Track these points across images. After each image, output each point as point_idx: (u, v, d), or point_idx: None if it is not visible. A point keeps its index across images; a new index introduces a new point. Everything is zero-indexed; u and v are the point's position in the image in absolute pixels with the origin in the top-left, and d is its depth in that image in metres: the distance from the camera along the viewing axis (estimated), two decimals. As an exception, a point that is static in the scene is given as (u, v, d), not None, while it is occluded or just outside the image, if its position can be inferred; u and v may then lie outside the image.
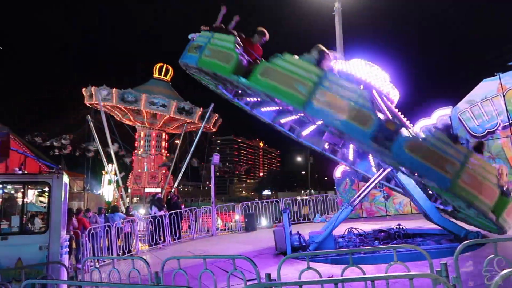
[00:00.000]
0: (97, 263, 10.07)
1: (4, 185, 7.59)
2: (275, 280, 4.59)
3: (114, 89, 31.13)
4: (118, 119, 34.86)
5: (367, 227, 11.75)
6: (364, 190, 9.59)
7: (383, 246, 8.04)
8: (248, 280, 4.89)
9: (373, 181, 9.47)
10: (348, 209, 9.36)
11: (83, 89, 32.82)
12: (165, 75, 36.16)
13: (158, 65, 35.75)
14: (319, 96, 6.53)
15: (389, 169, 8.90)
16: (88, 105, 32.84)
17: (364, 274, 4.41)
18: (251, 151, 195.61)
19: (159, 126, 34.65)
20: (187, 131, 35.87)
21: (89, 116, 32.07)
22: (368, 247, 8.25)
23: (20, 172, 7.84)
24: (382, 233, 10.15)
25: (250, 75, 6.96)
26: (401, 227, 10.18)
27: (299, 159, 78.48)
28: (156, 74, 36.15)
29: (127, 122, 35.28)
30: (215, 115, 35.90)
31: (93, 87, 31.50)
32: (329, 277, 5.53)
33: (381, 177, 9.41)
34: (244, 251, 10.76)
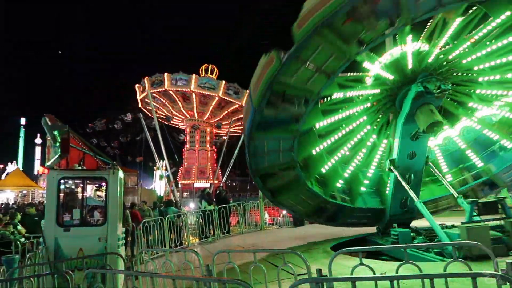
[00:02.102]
0: (151, 255, 10.45)
1: (65, 180, 8.00)
2: (326, 275, 4.51)
3: (166, 73, 32.13)
4: (166, 116, 35.79)
5: (416, 223, 11.26)
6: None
7: (441, 243, 7.63)
8: (299, 275, 4.84)
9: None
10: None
11: (137, 85, 34.23)
12: (211, 75, 36.79)
13: (204, 66, 36.37)
14: None
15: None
16: (139, 100, 34.10)
17: (421, 271, 4.20)
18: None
19: (208, 114, 34.95)
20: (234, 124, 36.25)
21: (140, 114, 33.49)
22: (425, 243, 7.89)
23: (80, 168, 8.25)
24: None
25: None
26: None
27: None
28: (202, 75, 36.84)
29: (175, 118, 36.08)
30: (247, 91, 35.75)
31: (146, 77, 32.67)
32: (382, 273, 5.34)
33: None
34: (293, 246, 10.72)
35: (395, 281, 3.29)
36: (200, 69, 35.65)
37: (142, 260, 9.38)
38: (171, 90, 32.46)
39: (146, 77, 32.72)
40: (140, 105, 35.41)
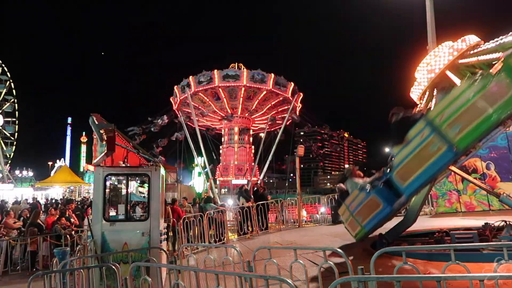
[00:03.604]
0: (191, 250, 10.68)
1: (110, 176, 8.32)
2: (369, 274, 4.43)
3: (215, 70, 32.67)
4: (206, 116, 36.35)
5: (464, 222, 10.81)
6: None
7: (492, 243, 7.26)
8: (340, 273, 4.78)
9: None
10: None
11: (175, 87, 35.03)
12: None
13: (231, 65, 36.61)
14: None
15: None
16: (178, 101, 34.84)
17: (469, 272, 4.03)
18: (335, 142, 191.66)
19: (252, 108, 35.22)
20: (275, 116, 36.33)
21: (180, 113, 34.29)
22: (473, 244, 7.55)
23: (124, 165, 8.55)
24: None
25: None
26: (508, 223, 9.15)
27: (387, 150, 74.86)
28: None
29: (211, 115, 36.58)
30: (290, 83, 35.76)
31: (191, 76, 33.35)
32: (427, 273, 5.18)
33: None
34: (332, 243, 10.59)
35: (442, 282, 3.17)
36: (229, 67, 35.98)
37: (183, 255, 9.60)
38: (221, 86, 32.90)
39: (191, 76, 33.37)
40: (175, 107, 36.19)
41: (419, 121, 6.74)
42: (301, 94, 35.96)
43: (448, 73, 9.02)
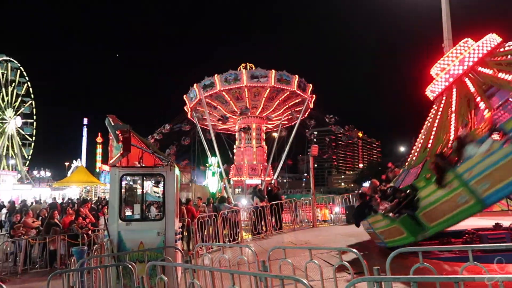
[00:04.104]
0: (206, 250, 10.73)
1: (125, 176, 8.40)
2: (384, 274, 4.39)
3: (216, 75, 32.85)
4: (218, 119, 36.48)
5: (482, 222, 10.62)
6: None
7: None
8: (355, 274, 4.75)
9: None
10: None
11: (185, 96, 35.34)
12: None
13: (242, 65, 36.58)
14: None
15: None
16: (189, 109, 35.13)
17: (487, 273, 3.96)
18: (350, 142, 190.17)
19: (260, 107, 35.26)
20: (286, 116, 36.26)
21: (194, 112, 34.55)
22: (493, 245, 7.39)
23: (139, 165, 8.63)
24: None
25: None
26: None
27: (402, 149, 73.97)
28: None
29: (228, 120, 36.70)
30: (308, 85, 35.69)
31: (195, 84, 33.61)
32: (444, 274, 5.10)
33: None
34: (347, 243, 10.52)
35: (459, 283, 3.12)
36: (239, 68, 35.96)
37: (198, 255, 9.66)
38: (223, 90, 33.07)
39: (195, 84, 33.66)
40: (189, 115, 36.54)
41: (448, 171, 7.05)
42: (310, 85, 35.89)
43: (466, 80, 8.92)
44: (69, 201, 27.15)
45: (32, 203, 24.20)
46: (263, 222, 13.73)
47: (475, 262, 4.20)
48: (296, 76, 33.86)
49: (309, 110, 36.82)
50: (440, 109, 10.12)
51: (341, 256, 4.82)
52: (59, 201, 26.69)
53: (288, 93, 34.07)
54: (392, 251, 4.59)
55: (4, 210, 20.96)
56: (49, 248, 11.13)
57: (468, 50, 9.33)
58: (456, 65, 9.43)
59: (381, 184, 10.44)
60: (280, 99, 34.65)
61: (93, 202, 22.69)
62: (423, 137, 10.74)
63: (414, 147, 11.33)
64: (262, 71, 32.97)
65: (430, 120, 10.77)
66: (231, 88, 33.12)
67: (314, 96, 36.38)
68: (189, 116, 36.69)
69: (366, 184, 12.33)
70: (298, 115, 35.86)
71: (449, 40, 15.55)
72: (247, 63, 36.08)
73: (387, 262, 4.44)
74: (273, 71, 32.81)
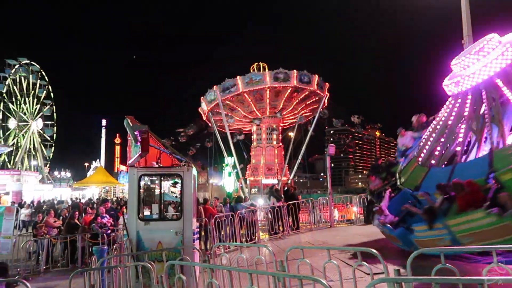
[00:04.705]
0: (223, 249, 10.77)
1: (144, 177, 8.49)
2: (405, 275, 4.32)
3: (238, 76, 32.83)
4: (237, 121, 36.53)
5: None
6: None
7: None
8: (375, 274, 4.69)
9: None
10: None
11: (201, 98, 35.38)
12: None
13: (255, 64, 36.52)
14: None
15: None
16: (205, 111, 35.23)
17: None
18: (367, 141, 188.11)
19: (279, 107, 35.21)
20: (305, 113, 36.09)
21: (210, 113, 34.67)
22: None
23: (157, 165, 8.72)
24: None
25: None
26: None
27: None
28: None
29: (238, 119, 36.70)
30: (326, 84, 35.53)
31: (214, 86, 33.62)
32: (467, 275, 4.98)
33: None
34: (365, 243, 10.41)
35: (484, 285, 3.04)
36: (252, 67, 35.92)
37: (216, 254, 9.71)
38: (245, 91, 33.04)
39: (215, 86, 33.65)
40: (205, 117, 36.59)
41: (437, 220, 7.37)
42: (327, 84, 35.68)
43: (498, 81, 8.47)
44: (89, 201, 27.68)
45: (57, 203, 24.83)
46: (280, 222, 13.71)
47: (499, 263, 4.10)
48: (316, 75, 33.70)
49: (325, 107, 36.60)
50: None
51: (360, 256, 4.76)
52: (82, 201, 27.28)
53: (307, 92, 33.98)
54: (412, 252, 4.52)
55: (23, 210, 21.50)
56: (79, 246, 11.31)
57: (486, 54, 8.72)
58: (488, 64, 8.67)
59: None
60: (300, 98, 34.54)
61: (112, 201, 23.08)
62: None
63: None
64: (284, 71, 32.86)
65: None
66: (253, 89, 33.07)
67: (328, 94, 36.17)
68: (204, 118, 36.80)
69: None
70: (315, 107, 35.76)
71: (469, 37, 15.20)
72: (260, 63, 36.01)
73: (408, 262, 4.36)
74: (295, 71, 32.69)
